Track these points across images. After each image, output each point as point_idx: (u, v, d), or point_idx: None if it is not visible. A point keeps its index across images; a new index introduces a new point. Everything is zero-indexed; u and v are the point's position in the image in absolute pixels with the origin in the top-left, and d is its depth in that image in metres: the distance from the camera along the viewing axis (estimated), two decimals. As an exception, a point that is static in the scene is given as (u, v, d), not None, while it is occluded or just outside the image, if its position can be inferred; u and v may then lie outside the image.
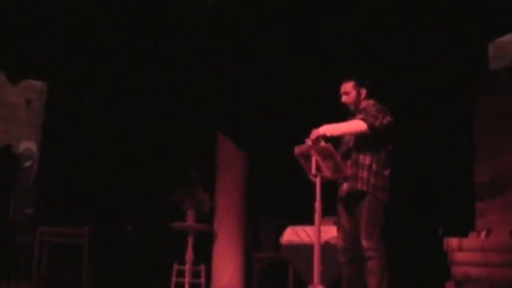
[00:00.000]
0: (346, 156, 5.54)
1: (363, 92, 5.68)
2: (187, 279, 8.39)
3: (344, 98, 5.70)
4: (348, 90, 5.69)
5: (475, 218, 7.75)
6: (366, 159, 5.46)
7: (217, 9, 7.70)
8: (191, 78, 8.64)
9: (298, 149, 5.48)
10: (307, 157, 5.44)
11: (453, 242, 6.68)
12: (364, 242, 5.34)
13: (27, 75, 9.21)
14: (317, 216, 5.40)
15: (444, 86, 8.07)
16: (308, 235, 7.37)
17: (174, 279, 8.42)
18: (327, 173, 5.40)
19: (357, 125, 5.41)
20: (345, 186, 5.52)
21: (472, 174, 8.00)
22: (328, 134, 5.35)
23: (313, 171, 5.39)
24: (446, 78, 8.02)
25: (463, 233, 7.05)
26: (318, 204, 5.39)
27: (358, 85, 5.68)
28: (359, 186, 5.42)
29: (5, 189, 10.65)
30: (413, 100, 8.11)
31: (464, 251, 6.61)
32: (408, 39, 7.68)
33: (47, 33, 8.40)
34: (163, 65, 8.66)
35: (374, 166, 5.45)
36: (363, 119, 5.38)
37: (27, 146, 8.60)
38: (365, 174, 5.44)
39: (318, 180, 5.40)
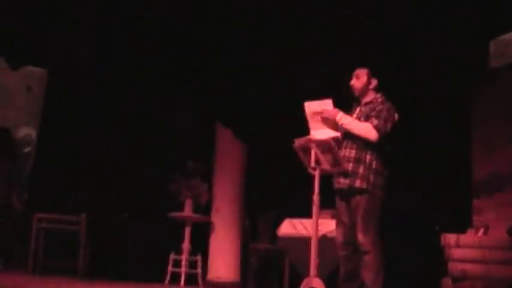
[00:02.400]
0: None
1: (374, 82, 5.66)
2: (183, 269, 8.40)
3: (353, 82, 5.70)
4: (360, 75, 5.69)
5: (472, 215, 7.75)
6: (366, 156, 5.46)
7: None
8: (191, 68, 8.63)
9: (298, 142, 5.49)
10: (307, 150, 5.44)
11: (450, 238, 6.68)
12: (361, 237, 5.34)
13: (28, 62, 9.18)
14: (315, 209, 5.40)
15: (443, 83, 8.06)
16: (305, 228, 7.37)
17: (170, 269, 8.43)
18: (326, 166, 5.41)
19: (368, 132, 5.40)
20: (342, 180, 5.51)
21: (470, 172, 8.00)
22: (343, 125, 5.44)
23: (313, 164, 5.39)
24: (445, 76, 8.01)
25: (459, 229, 7.05)
26: (316, 197, 5.40)
27: (371, 74, 5.68)
28: (358, 184, 5.42)
29: (3, 174, 10.65)
30: (412, 97, 8.09)
31: (461, 248, 6.61)
32: (408, 36, 7.67)
33: (47, 20, 8.39)
34: (163, 54, 8.65)
35: (374, 164, 5.46)
36: (376, 127, 5.38)
37: (27, 132, 8.60)
38: (365, 171, 5.43)
39: (317, 173, 5.41)
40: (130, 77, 9.04)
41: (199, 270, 8.55)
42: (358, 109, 5.66)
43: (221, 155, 9.22)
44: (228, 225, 8.96)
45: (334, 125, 5.51)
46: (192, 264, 8.56)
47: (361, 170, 5.43)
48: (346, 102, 5.73)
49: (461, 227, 7.16)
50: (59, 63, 9.01)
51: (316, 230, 5.40)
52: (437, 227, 7.56)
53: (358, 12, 7.58)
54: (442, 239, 6.70)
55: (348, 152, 5.50)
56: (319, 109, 5.54)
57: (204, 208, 8.90)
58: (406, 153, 8.02)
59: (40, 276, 8.55)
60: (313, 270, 5.27)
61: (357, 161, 5.44)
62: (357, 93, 5.68)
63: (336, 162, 5.39)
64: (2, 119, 10.88)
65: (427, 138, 8.20)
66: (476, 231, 7.09)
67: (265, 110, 8.65)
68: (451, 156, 8.11)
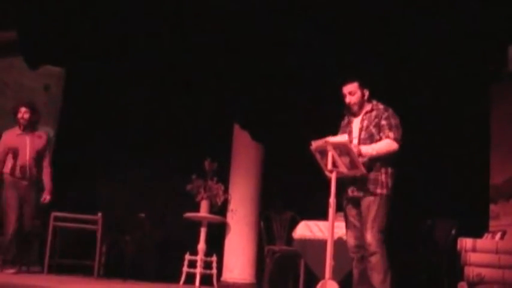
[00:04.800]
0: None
1: (366, 92, 5.74)
2: (198, 270, 8.40)
3: (349, 99, 5.74)
4: (353, 91, 5.73)
5: (489, 220, 7.71)
6: (383, 163, 5.52)
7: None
8: (209, 69, 8.63)
9: (315, 144, 5.49)
10: (324, 152, 5.44)
11: (467, 242, 6.64)
12: (369, 237, 5.40)
13: (46, 61, 9.23)
14: (331, 212, 5.41)
15: (462, 86, 8.02)
16: (321, 230, 7.37)
17: (185, 269, 8.44)
18: (343, 168, 5.41)
19: (390, 146, 5.50)
20: (358, 188, 5.54)
21: (488, 176, 7.95)
22: (368, 155, 5.47)
23: (330, 166, 5.39)
24: (464, 79, 7.97)
25: (476, 234, 7.01)
26: (332, 200, 5.40)
27: (362, 86, 5.73)
28: (379, 191, 5.49)
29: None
30: (430, 101, 8.08)
31: (478, 252, 6.57)
32: (427, 40, 7.64)
33: (65, 19, 8.43)
34: (180, 55, 8.66)
35: (390, 170, 5.56)
36: (395, 139, 5.49)
37: (45, 130, 8.65)
38: (384, 178, 5.52)
39: (333, 176, 5.41)
40: (147, 77, 9.06)
41: (214, 271, 8.55)
42: (358, 121, 5.71)
43: (238, 156, 9.23)
44: (243, 227, 8.96)
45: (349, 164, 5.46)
46: (207, 265, 8.56)
47: (380, 177, 5.51)
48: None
49: (477, 232, 7.12)
50: (76, 61, 9.05)
51: (332, 232, 5.41)
52: (453, 231, 7.50)
53: (376, 14, 7.56)
54: (459, 243, 6.66)
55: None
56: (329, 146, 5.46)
57: (220, 209, 8.90)
58: (424, 158, 8.03)
59: (56, 275, 8.59)
60: (328, 272, 5.27)
61: (377, 168, 5.53)
62: (355, 108, 5.74)
63: (353, 165, 5.39)
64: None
65: (445, 143, 8.16)
66: (493, 236, 7.04)
67: (282, 111, 8.64)
68: (468, 161, 8.07)
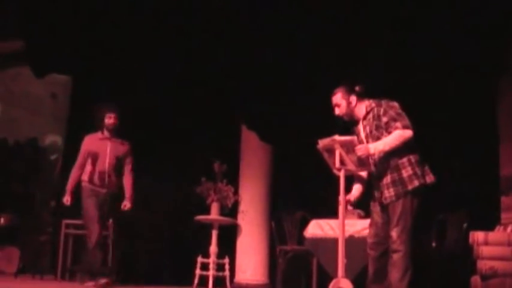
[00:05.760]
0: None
1: (353, 99, 5.55)
2: (211, 272, 8.42)
3: (337, 112, 5.60)
4: (338, 102, 5.58)
5: (501, 213, 7.68)
6: (402, 157, 5.35)
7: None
8: (217, 71, 8.64)
9: (322, 143, 5.46)
10: (331, 151, 5.42)
11: (479, 235, 6.62)
12: (394, 234, 5.27)
13: (53, 69, 9.26)
14: (341, 210, 5.39)
15: (470, 79, 7.99)
16: (332, 228, 7.34)
17: (198, 272, 8.45)
18: (351, 166, 5.39)
19: (403, 135, 5.27)
20: (388, 193, 5.37)
21: (498, 169, 7.92)
22: (381, 151, 5.33)
23: (337, 164, 5.37)
24: (472, 72, 7.94)
25: (487, 227, 6.98)
26: (342, 197, 5.39)
27: (347, 93, 5.57)
28: (410, 187, 5.31)
29: (31, 182, 10.76)
30: (439, 95, 8.05)
31: (490, 245, 6.54)
32: (436, 34, 7.62)
33: (71, 28, 8.46)
34: (187, 58, 8.67)
35: (412, 158, 5.36)
36: (404, 126, 5.26)
37: (53, 139, 8.69)
38: (409, 170, 5.32)
39: (342, 174, 5.39)
40: (154, 81, 9.08)
41: (227, 272, 8.56)
42: (361, 127, 5.58)
43: (246, 157, 9.23)
44: (254, 227, 8.97)
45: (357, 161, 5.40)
46: (219, 267, 8.57)
47: (405, 172, 5.33)
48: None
49: (489, 225, 7.09)
50: (83, 69, 9.08)
51: (343, 230, 5.40)
52: (464, 224, 7.47)
53: (381, 8, 7.56)
54: (470, 236, 6.64)
55: (383, 166, 5.40)
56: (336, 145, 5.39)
57: (231, 211, 8.90)
58: (433, 152, 8.01)
59: (68, 281, 8.63)
60: (341, 271, 5.26)
61: (397, 168, 5.35)
62: (347, 118, 5.63)
63: (361, 162, 5.37)
64: (29, 127, 11.00)
65: (454, 136, 8.14)
66: (505, 229, 7.01)
67: (290, 111, 8.63)
68: (478, 154, 8.05)
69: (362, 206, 6.19)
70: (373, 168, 5.42)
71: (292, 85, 8.47)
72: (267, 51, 8.30)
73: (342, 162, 5.37)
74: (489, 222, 7.16)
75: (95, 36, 8.54)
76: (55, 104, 11.04)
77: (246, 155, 9.24)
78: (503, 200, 7.66)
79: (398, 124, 5.28)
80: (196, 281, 8.45)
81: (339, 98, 5.58)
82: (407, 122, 5.30)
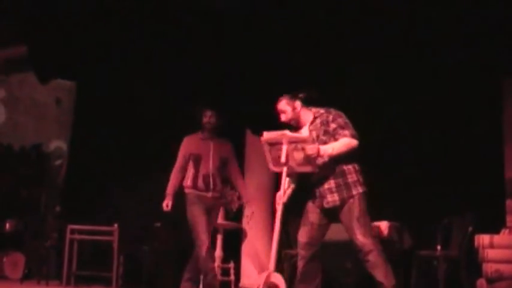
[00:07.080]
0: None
1: (298, 105, 5.65)
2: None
3: (282, 118, 5.70)
4: (283, 109, 5.69)
5: (505, 215, 7.67)
6: (347, 164, 5.47)
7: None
8: (219, 75, 8.64)
9: (267, 135, 5.49)
10: (276, 145, 5.46)
11: (484, 239, 6.61)
12: (361, 238, 5.35)
13: (57, 75, 9.28)
14: (280, 207, 5.62)
15: (474, 81, 7.99)
16: (334, 232, 7.32)
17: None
18: (293, 164, 5.40)
19: (349, 144, 5.39)
20: (331, 198, 5.49)
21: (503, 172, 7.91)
22: (329, 155, 5.38)
23: (283, 160, 5.40)
24: (476, 74, 7.93)
25: (493, 230, 6.97)
26: (281, 194, 5.64)
27: (291, 100, 5.68)
28: (355, 192, 5.44)
29: (36, 187, 10.77)
30: (443, 97, 8.05)
31: (495, 248, 6.54)
32: (439, 35, 7.62)
33: (75, 33, 8.48)
34: (192, 64, 8.67)
35: (356, 166, 5.51)
36: (352, 136, 5.39)
37: (57, 144, 8.72)
38: (354, 177, 5.46)
39: (284, 171, 5.46)
40: (158, 85, 9.08)
41: (232, 277, 8.56)
42: (306, 132, 5.61)
43: (251, 162, 9.22)
44: (259, 232, 8.95)
45: (304, 160, 5.42)
46: (225, 272, 8.57)
47: (350, 178, 5.45)
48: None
49: (494, 228, 7.08)
50: (87, 75, 9.10)
51: (279, 227, 5.58)
52: (470, 228, 7.45)
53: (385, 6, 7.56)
54: (476, 240, 6.63)
55: (326, 171, 5.47)
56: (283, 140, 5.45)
57: (235, 215, 8.89)
58: (439, 153, 7.99)
59: (74, 286, 8.63)
60: (272, 264, 5.41)
61: (342, 173, 5.46)
62: (294, 123, 5.70)
63: (307, 161, 5.36)
64: (34, 133, 11.02)
65: (459, 139, 8.12)
66: (510, 232, 7.00)
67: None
68: (483, 156, 8.03)
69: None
70: (316, 169, 5.43)
71: (297, 90, 8.46)
72: (271, 55, 8.30)
73: (286, 158, 5.37)
74: (494, 225, 7.16)
75: (99, 41, 8.55)
76: (60, 109, 11.06)
77: (250, 159, 9.22)
78: (509, 203, 7.65)
79: (346, 132, 5.41)
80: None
81: (283, 105, 5.70)
82: (354, 132, 5.44)
